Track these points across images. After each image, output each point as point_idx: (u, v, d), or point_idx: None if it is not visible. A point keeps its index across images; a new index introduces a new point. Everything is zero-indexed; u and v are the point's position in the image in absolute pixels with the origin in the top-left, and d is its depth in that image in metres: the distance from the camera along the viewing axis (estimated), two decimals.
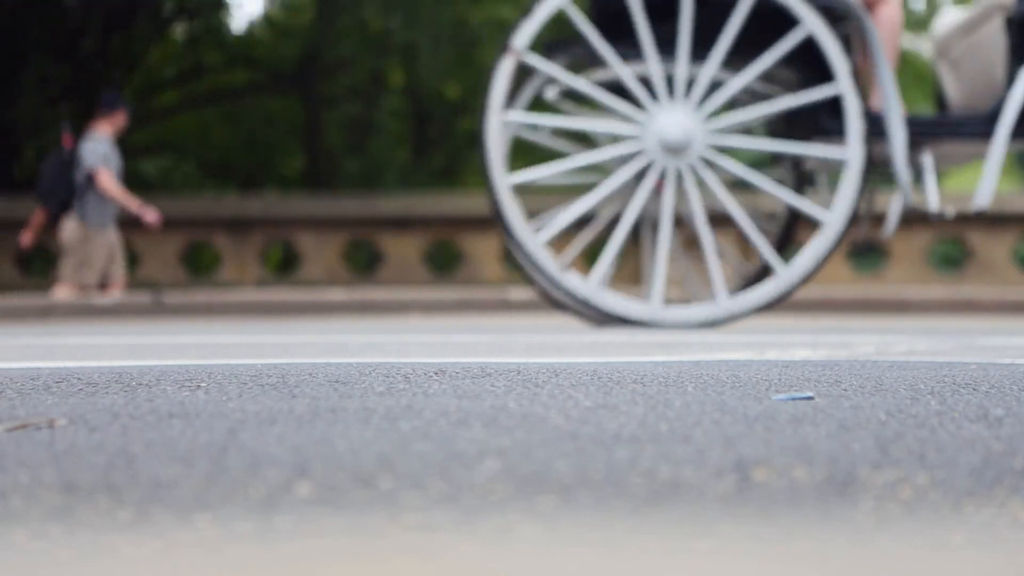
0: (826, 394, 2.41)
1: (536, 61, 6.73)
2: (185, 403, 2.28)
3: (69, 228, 11.96)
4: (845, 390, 2.47)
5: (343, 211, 14.93)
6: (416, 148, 21.12)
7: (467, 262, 14.73)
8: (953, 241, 14.77)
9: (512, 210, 6.60)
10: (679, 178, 6.71)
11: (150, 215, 12.13)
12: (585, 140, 10.34)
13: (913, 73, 19.06)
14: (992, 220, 13.83)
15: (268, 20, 22.03)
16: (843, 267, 14.14)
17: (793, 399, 2.34)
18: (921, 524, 1.50)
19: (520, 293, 12.20)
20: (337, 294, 12.32)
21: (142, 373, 2.77)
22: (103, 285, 12.13)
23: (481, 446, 1.80)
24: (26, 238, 12.59)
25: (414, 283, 14.37)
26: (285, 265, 17.02)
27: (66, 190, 11.91)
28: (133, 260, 15.03)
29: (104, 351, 4.88)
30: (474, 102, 21.47)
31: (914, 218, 12.95)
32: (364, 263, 15.67)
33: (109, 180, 11.85)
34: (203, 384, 2.55)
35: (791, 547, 1.40)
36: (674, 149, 6.61)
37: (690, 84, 6.71)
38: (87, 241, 11.90)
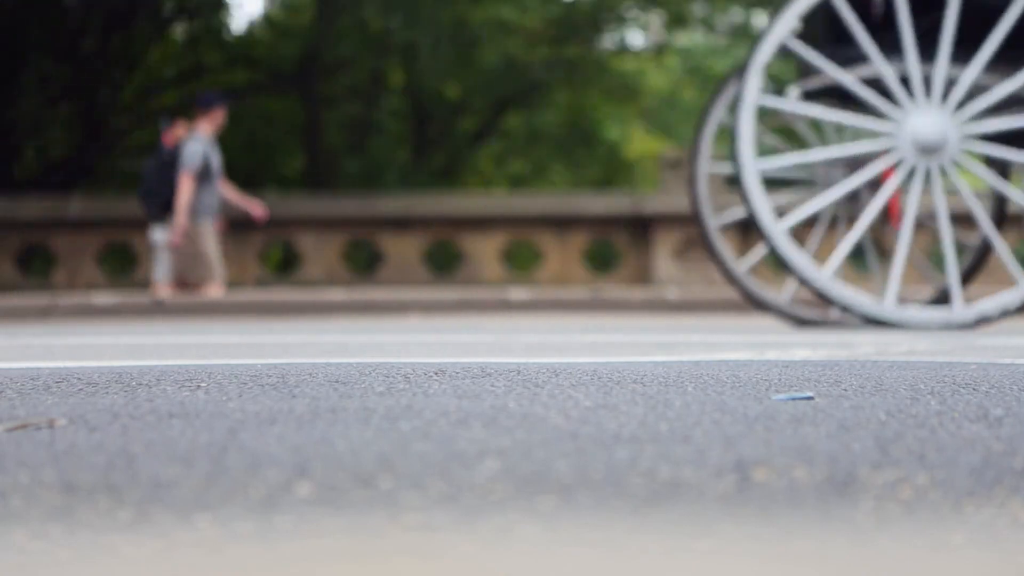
0: (826, 394, 2.41)
1: (800, 48, 6.68)
2: (185, 403, 2.28)
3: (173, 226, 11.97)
4: (845, 390, 2.47)
5: (343, 211, 14.94)
6: (416, 148, 21.12)
7: (467, 262, 14.73)
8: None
9: (759, 196, 6.60)
10: (927, 178, 6.75)
11: (178, 233, 12.15)
12: (795, 139, 10.47)
13: None
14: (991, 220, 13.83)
15: (268, 20, 22.03)
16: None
17: (793, 399, 2.34)
18: (921, 524, 1.50)
19: (520, 293, 12.20)
20: (337, 294, 12.32)
21: (142, 373, 2.77)
22: (185, 284, 12.11)
23: (481, 446, 1.80)
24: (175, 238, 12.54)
25: (414, 283, 14.37)
26: (285, 265, 17.01)
27: (168, 189, 11.89)
28: (133, 260, 15.04)
29: (104, 351, 4.88)
30: (474, 102, 21.49)
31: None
32: (364, 263, 15.67)
33: (187, 187, 11.82)
34: (203, 384, 2.55)
35: (791, 547, 1.40)
36: (928, 149, 6.64)
37: (947, 85, 6.70)
38: (191, 239, 11.89)
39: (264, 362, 3.36)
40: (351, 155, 20.42)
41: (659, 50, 22.58)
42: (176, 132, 12.31)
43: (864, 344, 5.11)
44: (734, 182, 7.00)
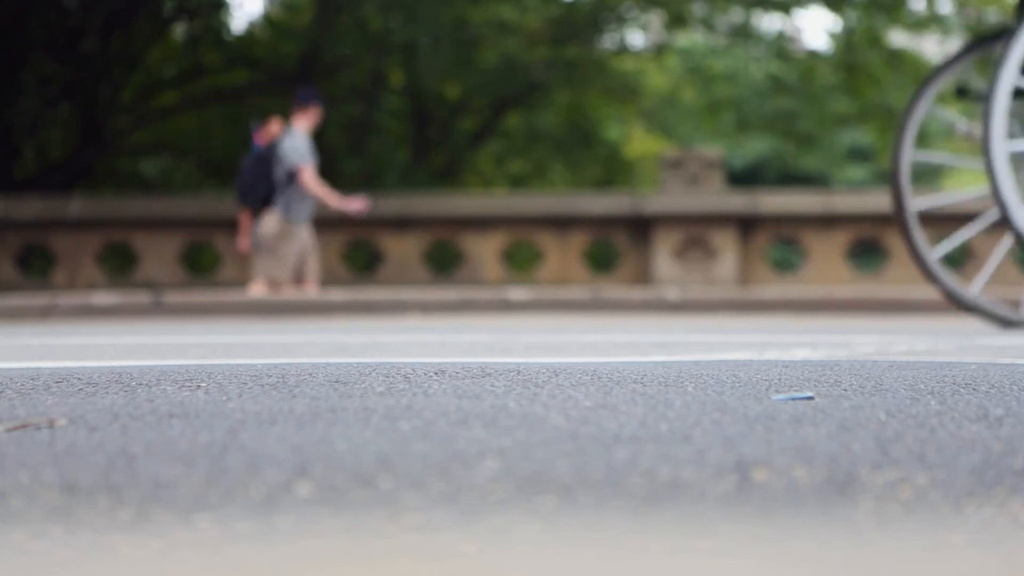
0: (826, 394, 2.41)
1: None
2: (185, 403, 2.28)
3: (269, 223, 11.97)
4: (845, 390, 2.47)
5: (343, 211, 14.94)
6: (416, 148, 21.12)
7: (467, 262, 14.73)
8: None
9: (1006, 181, 6.51)
10: None
11: (356, 204, 12.22)
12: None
13: (913, 73, 19.05)
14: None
15: (268, 20, 22.03)
16: (843, 267, 14.14)
17: (793, 399, 2.34)
18: (921, 524, 1.50)
19: (520, 293, 12.20)
20: (337, 294, 12.32)
21: (142, 373, 2.77)
22: (298, 281, 12.13)
23: (481, 446, 1.80)
24: (243, 243, 12.54)
25: (414, 283, 14.37)
26: None
27: (265, 186, 11.89)
28: (133, 260, 15.04)
29: (104, 351, 4.88)
30: (474, 102, 21.49)
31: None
32: (364, 263, 15.67)
33: (312, 177, 11.84)
34: (203, 384, 2.55)
35: (791, 547, 1.40)
36: None
37: None
38: (285, 237, 11.91)
39: (264, 362, 3.36)
40: (351, 155, 20.41)
41: (659, 50, 22.58)
42: (270, 130, 12.31)
43: (864, 344, 5.11)
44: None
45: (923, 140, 24.42)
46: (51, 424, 2.06)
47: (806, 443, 1.83)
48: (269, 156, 11.95)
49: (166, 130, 21.05)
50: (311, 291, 12.04)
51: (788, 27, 21.75)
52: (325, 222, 15.16)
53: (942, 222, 13.83)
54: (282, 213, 11.91)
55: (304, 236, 12.08)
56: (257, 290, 12.01)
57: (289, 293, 11.90)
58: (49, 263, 15.13)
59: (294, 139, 11.94)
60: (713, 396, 2.35)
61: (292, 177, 11.84)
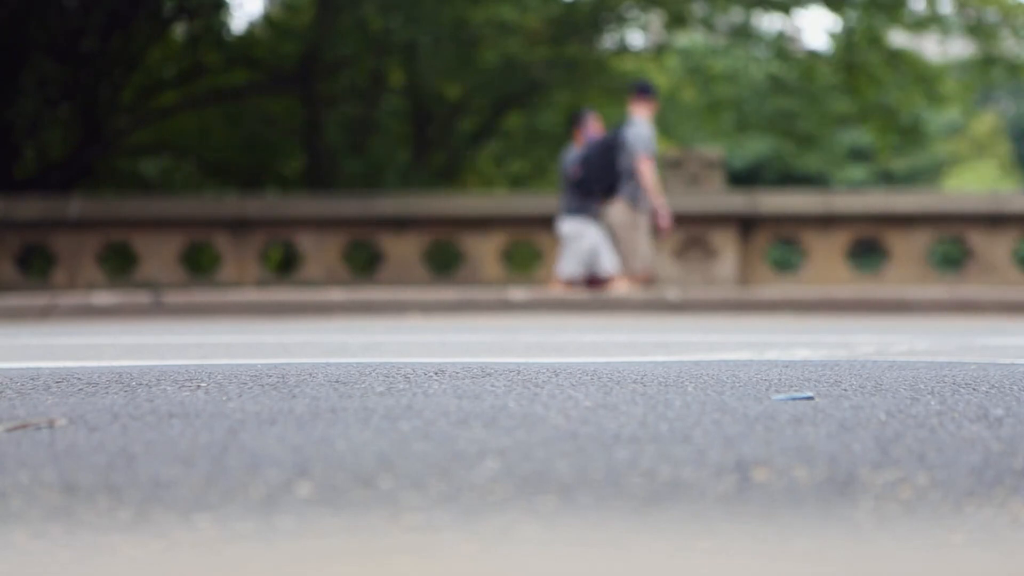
0: (826, 394, 2.41)
1: None
2: (185, 403, 2.28)
3: (618, 213, 11.88)
4: (845, 390, 2.47)
5: (343, 211, 14.93)
6: (416, 148, 21.11)
7: (467, 262, 14.72)
8: (953, 241, 14.77)
9: None
10: None
11: (665, 220, 12.06)
12: None
13: (913, 73, 19.04)
14: (992, 220, 13.83)
15: (268, 20, 22.02)
16: (843, 267, 14.14)
17: (793, 399, 2.34)
18: (921, 524, 1.50)
19: (520, 293, 12.20)
20: (337, 294, 12.31)
21: (142, 373, 2.77)
22: (595, 282, 12.00)
23: (481, 446, 1.80)
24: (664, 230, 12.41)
25: (414, 283, 14.36)
26: (285, 265, 17.01)
27: (610, 176, 11.73)
28: (133, 260, 15.04)
29: (104, 351, 4.88)
30: (474, 102, 21.49)
31: (914, 218, 12.96)
32: (364, 263, 15.66)
33: (649, 170, 11.70)
34: (203, 384, 2.55)
35: (791, 546, 1.39)
36: None
37: None
38: (634, 227, 11.79)
39: (264, 362, 3.35)
40: (351, 155, 20.41)
41: (659, 50, 22.57)
42: (596, 124, 12.23)
43: (864, 344, 5.11)
44: None
45: (923, 140, 24.42)
46: (51, 424, 2.06)
47: (806, 443, 1.83)
48: (607, 147, 11.72)
49: (166, 130, 21.04)
50: (624, 288, 11.76)
51: (788, 27, 21.72)
52: (325, 222, 15.18)
53: (944, 222, 13.82)
54: (628, 202, 11.79)
55: (645, 228, 11.84)
56: (621, 287, 11.81)
57: (600, 290, 11.70)
58: (49, 263, 15.13)
59: (639, 128, 11.76)
60: (713, 396, 2.35)
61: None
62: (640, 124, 11.84)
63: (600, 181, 11.94)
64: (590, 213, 12.03)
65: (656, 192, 11.85)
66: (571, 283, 12.07)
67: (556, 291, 11.98)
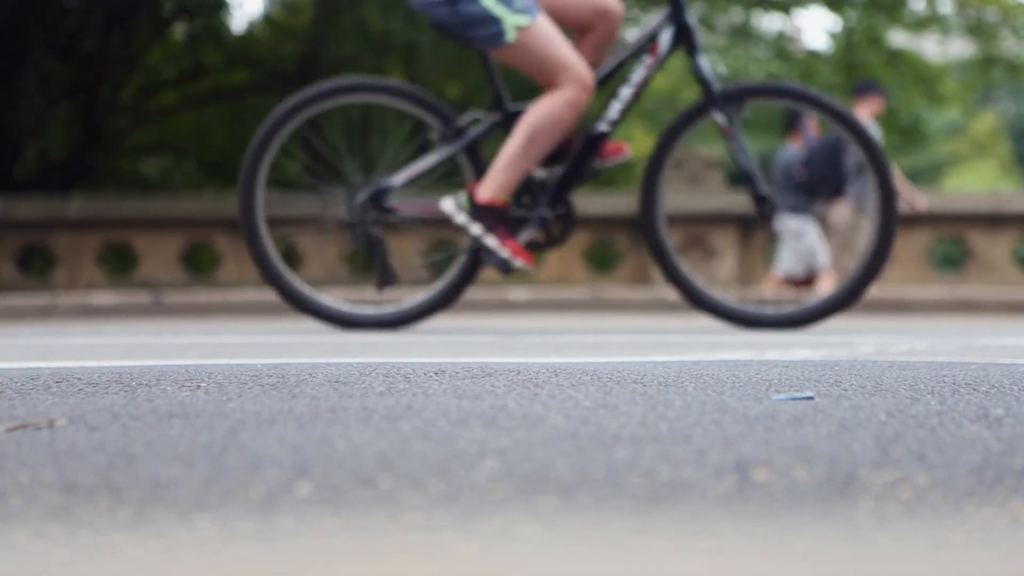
0: (826, 394, 2.41)
1: None
2: (185, 403, 2.28)
3: (841, 213, 11.87)
4: (845, 390, 2.47)
5: (343, 211, 14.94)
6: (416, 148, 21.12)
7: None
8: (953, 241, 14.76)
9: None
10: None
11: (920, 205, 12.09)
12: None
13: (913, 73, 19.04)
14: (992, 220, 13.83)
15: (268, 20, 22.02)
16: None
17: (793, 399, 2.34)
18: (921, 524, 1.50)
19: (520, 293, 12.19)
20: (337, 294, 12.31)
21: (142, 373, 2.77)
22: (799, 282, 11.97)
23: (481, 446, 1.80)
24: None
25: (414, 283, 14.36)
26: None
27: (838, 174, 11.70)
28: (133, 260, 15.03)
29: (104, 351, 4.88)
30: (474, 102, 21.47)
31: (914, 218, 12.95)
32: (364, 263, 15.66)
33: (897, 171, 11.71)
34: (203, 384, 2.55)
35: (791, 547, 1.39)
36: None
37: None
38: (858, 229, 11.79)
39: (264, 362, 3.35)
40: (351, 155, 20.40)
41: None
42: (814, 125, 12.19)
43: (864, 344, 5.11)
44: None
45: (923, 140, 24.39)
46: (51, 424, 2.06)
47: (806, 443, 1.83)
48: (831, 145, 11.68)
49: (166, 130, 21.04)
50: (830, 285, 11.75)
51: (788, 27, 21.73)
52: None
53: (944, 222, 13.81)
54: (855, 203, 11.79)
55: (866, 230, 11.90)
56: (827, 283, 11.79)
57: (806, 291, 11.67)
58: (49, 263, 15.13)
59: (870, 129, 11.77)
60: (713, 396, 2.35)
61: (863, 167, 11.66)
62: (870, 126, 11.76)
63: (827, 182, 11.89)
64: (812, 212, 12.05)
65: (905, 187, 11.79)
66: (790, 281, 12.07)
67: (769, 289, 11.98)
